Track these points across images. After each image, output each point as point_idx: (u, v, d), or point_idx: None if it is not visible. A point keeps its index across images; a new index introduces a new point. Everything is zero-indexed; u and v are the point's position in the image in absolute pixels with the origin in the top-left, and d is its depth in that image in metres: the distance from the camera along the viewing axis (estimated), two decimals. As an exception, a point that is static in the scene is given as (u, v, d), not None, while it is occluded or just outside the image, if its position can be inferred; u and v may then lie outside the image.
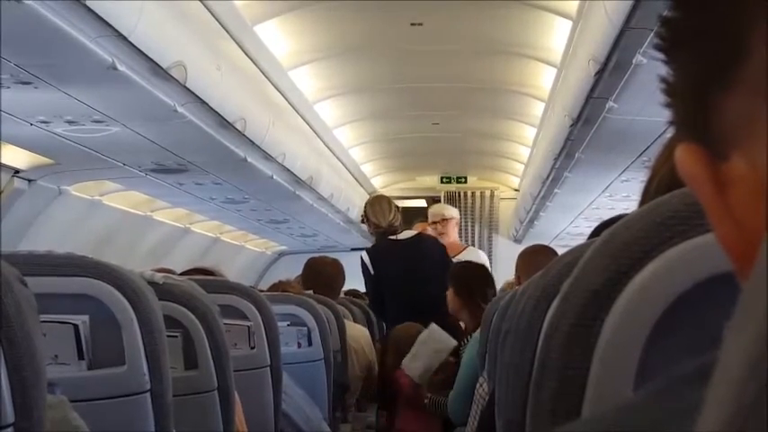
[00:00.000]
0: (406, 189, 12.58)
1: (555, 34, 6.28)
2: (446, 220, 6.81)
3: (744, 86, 0.41)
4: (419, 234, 5.90)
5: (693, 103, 0.44)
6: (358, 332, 5.12)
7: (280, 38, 6.30)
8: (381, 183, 12.30)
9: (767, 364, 0.24)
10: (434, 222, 6.86)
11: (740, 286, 0.33)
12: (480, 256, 6.92)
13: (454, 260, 6.59)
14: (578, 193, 7.87)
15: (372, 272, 5.61)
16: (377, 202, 5.78)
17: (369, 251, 5.74)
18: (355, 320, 5.47)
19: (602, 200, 7.90)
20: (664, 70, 0.45)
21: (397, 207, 5.85)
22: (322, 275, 5.11)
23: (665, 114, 0.47)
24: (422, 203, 12.01)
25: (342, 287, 5.53)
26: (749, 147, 0.40)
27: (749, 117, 0.40)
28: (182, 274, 3.68)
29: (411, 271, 5.50)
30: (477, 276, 4.71)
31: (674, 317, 0.73)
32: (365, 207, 5.83)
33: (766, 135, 0.39)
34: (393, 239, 5.59)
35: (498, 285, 7.46)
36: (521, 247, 5.41)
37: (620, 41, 3.85)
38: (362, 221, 5.92)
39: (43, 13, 2.86)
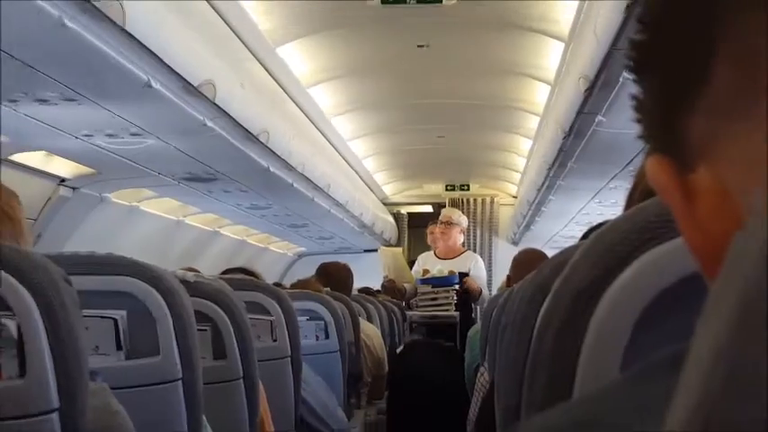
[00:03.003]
0: (413, 196, 12.59)
1: (549, 55, 6.27)
2: (450, 224, 6.84)
3: (708, 106, 0.41)
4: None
5: (661, 120, 0.44)
6: (371, 331, 5.14)
7: (299, 59, 6.32)
8: (392, 190, 12.31)
9: (733, 353, 0.24)
10: (442, 222, 6.91)
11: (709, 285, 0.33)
12: (477, 261, 6.97)
13: (450, 262, 6.67)
14: (570, 200, 7.85)
15: None
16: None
17: None
18: (369, 318, 5.47)
19: (591, 206, 7.87)
20: (636, 89, 0.46)
21: None
22: (334, 278, 5.13)
23: (645, 128, 0.47)
24: (428, 209, 12.01)
25: (352, 287, 5.56)
26: (713, 161, 0.41)
27: (713, 134, 0.41)
28: (224, 272, 3.72)
29: None
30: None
31: (654, 312, 0.73)
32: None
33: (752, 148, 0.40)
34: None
35: (497, 284, 7.50)
36: (518, 249, 5.43)
37: (608, 61, 3.85)
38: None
39: (86, 37, 2.87)
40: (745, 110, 0.39)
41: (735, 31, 0.39)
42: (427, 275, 6.69)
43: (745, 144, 0.39)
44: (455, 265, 6.67)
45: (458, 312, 6.39)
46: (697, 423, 0.24)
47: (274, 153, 5.37)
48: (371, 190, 11.02)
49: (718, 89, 0.40)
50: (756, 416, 0.23)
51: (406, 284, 6.82)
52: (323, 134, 7.76)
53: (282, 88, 6.19)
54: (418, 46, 6.33)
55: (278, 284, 4.31)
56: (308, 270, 5.90)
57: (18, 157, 4.54)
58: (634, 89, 0.46)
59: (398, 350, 6.32)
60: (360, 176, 10.02)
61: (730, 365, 0.24)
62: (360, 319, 4.86)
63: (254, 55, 5.39)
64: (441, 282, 6.56)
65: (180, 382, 2.05)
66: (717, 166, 0.41)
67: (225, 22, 4.76)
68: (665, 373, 0.35)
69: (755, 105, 0.38)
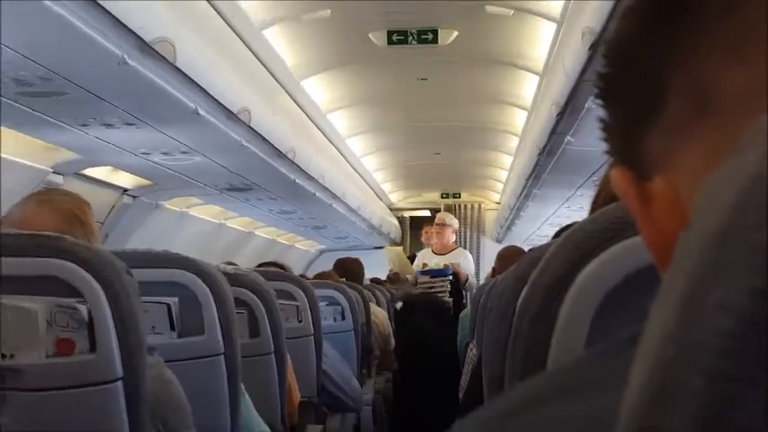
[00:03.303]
0: (414, 202, 12.59)
1: (526, 85, 6.28)
2: (444, 225, 6.84)
3: (662, 127, 0.41)
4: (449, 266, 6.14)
5: (624, 139, 0.44)
6: (379, 313, 5.14)
7: (320, 90, 6.33)
8: (396, 198, 12.31)
9: (679, 334, 0.24)
10: (437, 224, 6.91)
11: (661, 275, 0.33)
12: (467, 255, 6.98)
13: (444, 257, 6.67)
14: (544, 206, 7.84)
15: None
16: (396, 271, 6.18)
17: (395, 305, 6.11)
18: (378, 303, 5.47)
19: (562, 210, 7.85)
20: (603, 113, 0.46)
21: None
22: (349, 270, 5.15)
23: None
24: (426, 213, 12.01)
25: (363, 278, 5.56)
26: (667, 171, 0.41)
27: (668, 150, 0.41)
28: (260, 265, 3.72)
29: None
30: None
31: (614, 299, 0.73)
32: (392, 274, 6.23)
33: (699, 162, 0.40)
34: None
35: (484, 274, 7.48)
36: (501, 246, 5.44)
37: (575, 91, 3.85)
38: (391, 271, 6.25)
39: (143, 72, 2.88)
40: (693, 131, 0.40)
41: (684, 70, 0.40)
42: (426, 268, 6.71)
43: (693, 157, 0.39)
44: (449, 260, 6.68)
45: (451, 298, 6.41)
46: (651, 389, 0.24)
47: (299, 168, 5.38)
48: (379, 198, 11.01)
49: (671, 115, 0.41)
50: (699, 385, 0.23)
51: (408, 276, 6.84)
52: (339, 152, 7.77)
53: (306, 114, 6.20)
54: (419, 79, 6.33)
55: (303, 276, 4.31)
56: (327, 264, 5.92)
57: (89, 171, 4.55)
58: (600, 113, 0.46)
59: (398, 306, 6.28)
60: (370, 186, 10.02)
61: (677, 344, 0.24)
62: (370, 303, 4.87)
63: (282, 86, 5.40)
64: (437, 273, 6.59)
65: (222, 356, 2.05)
66: (670, 176, 0.41)
67: (258, 58, 4.77)
68: (625, 349, 0.35)
69: (701, 127, 0.39)
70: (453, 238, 7.03)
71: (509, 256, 4.02)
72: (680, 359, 0.23)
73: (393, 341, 5.24)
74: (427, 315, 6.00)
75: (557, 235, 1.63)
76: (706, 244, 0.24)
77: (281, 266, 3.83)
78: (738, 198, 0.23)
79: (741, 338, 0.22)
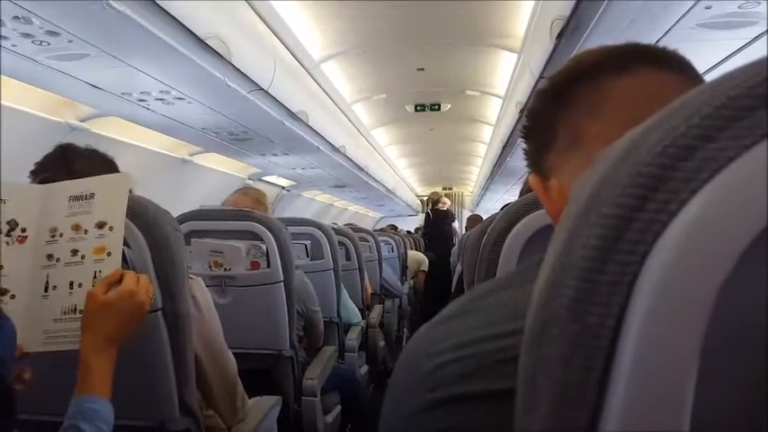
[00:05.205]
0: (429, 191, 12.41)
1: (487, 132, 6.10)
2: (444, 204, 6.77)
3: (554, 152, 0.40)
4: (447, 208, 5.93)
5: (534, 159, 0.43)
6: (413, 252, 5.11)
7: (381, 135, 6.24)
8: (420, 189, 12.24)
9: (563, 256, 0.24)
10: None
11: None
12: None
13: None
14: (495, 194, 7.72)
15: (431, 217, 5.67)
16: (434, 195, 5.96)
17: (428, 211, 5.88)
18: (412, 247, 5.44)
19: (505, 196, 7.71)
20: (525, 145, 0.45)
21: (440, 197, 6.00)
22: (396, 229, 5.12)
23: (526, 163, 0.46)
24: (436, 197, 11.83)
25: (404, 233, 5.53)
26: (558, 175, 0.40)
27: (558, 163, 0.40)
28: (346, 224, 3.73)
29: (440, 219, 5.54)
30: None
31: (531, 241, 0.72)
32: (429, 197, 6.04)
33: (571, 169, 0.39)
34: (436, 208, 5.66)
35: (463, 230, 7.37)
36: (471, 214, 5.38)
37: (512, 134, 3.77)
38: (427, 203, 6.03)
39: (292, 128, 2.87)
40: (570, 155, 0.39)
41: (565, 123, 0.39)
42: None
43: (570, 169, 0.39)
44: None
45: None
46: (547, 285, 0.24)
47: (372, 176, 5.36)
48: (411, 190, 10.94)
49: (559, 146, 0.40)
50: (571, 283, 0.23)
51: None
52: (391, 167, 7.62)
53: (373, 147, 6.01)
54: (430, 129, 6.25)
55: (373, 229, 4.32)
56: (384, 224, 5.90)
57: (266, 178, 4.62)
58: (524, 146, 0.46)
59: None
60: (407, 185, 9.93)
61: (560, 262, 0.24)
62: (407, 244, 4.85)
63: (361, 134, 5.26)
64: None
65: (332, 270, 2.08)
66: (559, 178, 0.40)
67: (349, 120, 4.68)
68: (536, 266, 0.35)
69: (574, 153, 0.39)
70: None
71: (474, 220, 4.02)
72: (562, 269, 0.23)
73: (426, 264, 5.17)
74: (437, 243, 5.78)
75: (502, 208, 1.61)
76: (576, 213, 0.24)
77: (356, 224, 3.83)
78: (591, 191, 0.23)
79: (593, 260, 0.22)
